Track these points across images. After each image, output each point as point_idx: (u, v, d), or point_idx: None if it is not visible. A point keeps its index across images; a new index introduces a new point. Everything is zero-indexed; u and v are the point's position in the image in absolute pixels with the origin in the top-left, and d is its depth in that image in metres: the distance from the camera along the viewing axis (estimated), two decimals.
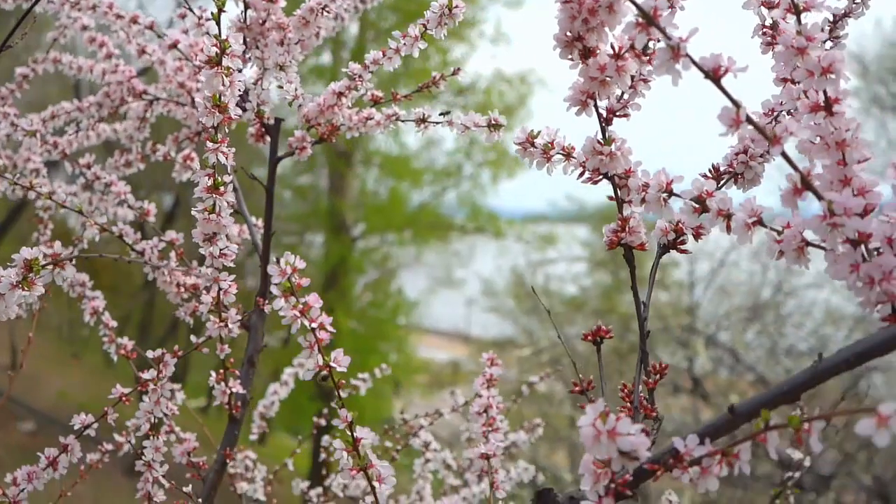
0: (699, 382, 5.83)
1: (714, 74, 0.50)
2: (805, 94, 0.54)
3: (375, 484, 0.63)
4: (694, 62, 0.49)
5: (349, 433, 0.63)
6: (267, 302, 0.94)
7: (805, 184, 0.50)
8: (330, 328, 0.61)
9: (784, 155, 0.50)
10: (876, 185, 0.53)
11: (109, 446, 1.06)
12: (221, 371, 0.94)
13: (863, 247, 0.51)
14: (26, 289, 0.66)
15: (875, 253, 0.51)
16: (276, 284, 0.59)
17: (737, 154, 0.67)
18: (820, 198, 0.50)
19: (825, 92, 0.52)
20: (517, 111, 10.47)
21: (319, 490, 1.46)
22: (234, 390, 0.95)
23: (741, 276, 7.87)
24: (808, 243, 0.53)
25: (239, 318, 0.88)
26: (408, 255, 12.28)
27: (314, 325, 0.60)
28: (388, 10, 9.82)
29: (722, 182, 0.67)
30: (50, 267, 0.65)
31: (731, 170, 0.67)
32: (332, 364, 0.61)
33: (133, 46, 1.11)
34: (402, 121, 0.95)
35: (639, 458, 0.49)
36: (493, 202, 11.80)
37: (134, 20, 1.07)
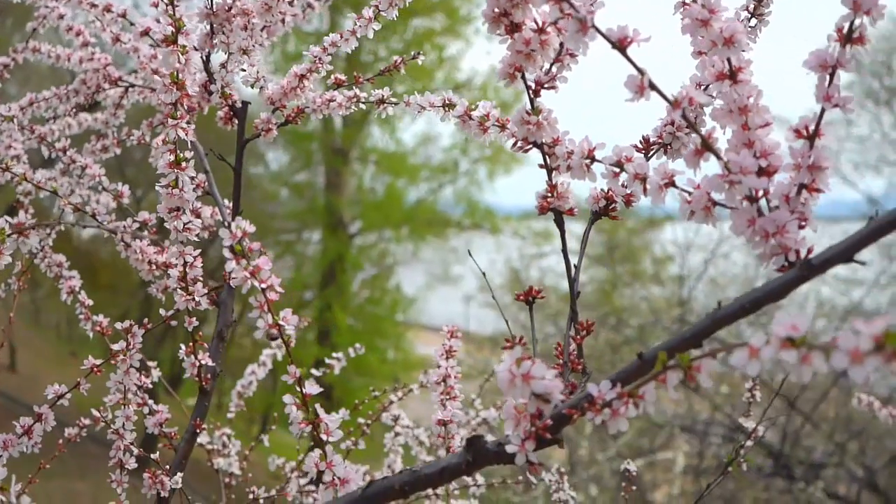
0: None
1: (620, 45, 0.53)
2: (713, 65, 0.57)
3: (323, 436, 0.66)
4: (601, 33, 0.53)
5: (298, 389, 0.67)
6: None
7: (706, 145, 0.54)
8: (279, 289, 0.65)
9: (685, 118, 0.54)
10: (777, 148, 0.57)
11: (87, 421, 1.10)
12: (191, 344, 0.98)
13: (763, 203, 0.55)
14: None
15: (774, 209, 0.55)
16: (226, 247, 0.63)
17: (665, 125, 0.71)
18: (719, 158, 0.54)
19: (729, 61, 0.56)
20: (513, 107, 10.45)
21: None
22: (203, 363, 0.99)
23: (736, 269, 7.92)
24: (715, 203, 0.57)
25: (205, 291, 0.92)
26: (405, 251, 12.32)
27: (264, 286, 0.64)
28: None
29: (652, 152, 0.71)
30: (14, 235, 0.69)
31: (660, 140, 0.71)
32: (281, 322, 0.65)
33: (108, 34, 1.15)
34: (364, 102, 0.98)
35: (551, 401, 0.53)
36: (490, 198, 11.83)
37: (107, 9, 1.11)
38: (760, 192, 0.54)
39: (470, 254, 0.94)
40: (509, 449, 0.57)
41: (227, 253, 0.64)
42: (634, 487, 1.22)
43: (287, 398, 0.67)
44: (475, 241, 12.10)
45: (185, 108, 0.75)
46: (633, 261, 9.57)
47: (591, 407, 0.55)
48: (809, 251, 0.53)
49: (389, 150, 12.03)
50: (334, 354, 1.40)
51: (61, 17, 1.21)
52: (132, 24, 1.10)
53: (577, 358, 0.65)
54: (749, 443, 1.11)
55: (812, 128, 0.55)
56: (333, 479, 0.66)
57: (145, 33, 1.08)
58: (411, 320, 11.68)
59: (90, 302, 1.12)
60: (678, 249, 7.42)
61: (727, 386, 6.77)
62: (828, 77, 0.54)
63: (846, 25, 0.54)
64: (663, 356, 0.50)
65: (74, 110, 1.21)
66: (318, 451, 0.67)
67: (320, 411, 0.67)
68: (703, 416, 6.78)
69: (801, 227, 0.54)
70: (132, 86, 1.20)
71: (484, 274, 0.87)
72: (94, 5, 1.12)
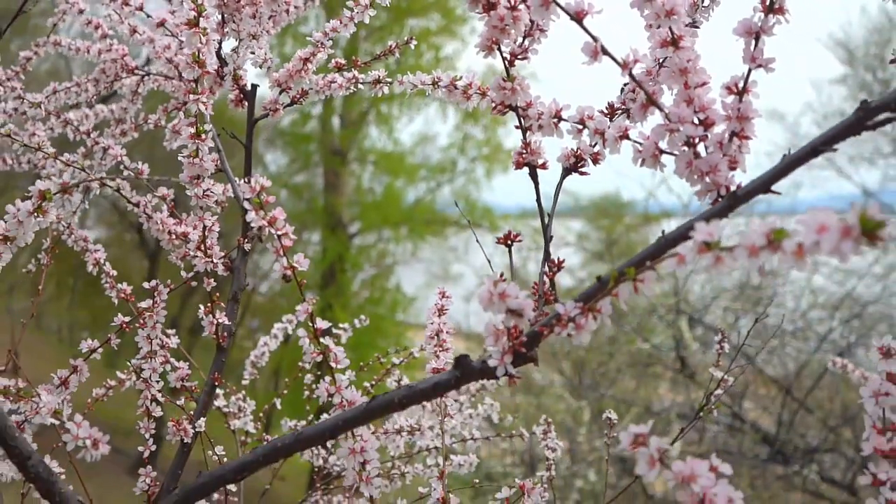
0: (685, 362, 5.97)
1: (578, 17, 0.64)
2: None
3: (332, 364, 0.77)
4: (560, 7, 0.63)
5: (311, 324, 0.77)
6: (247, 242, 1.08)
7: (650, 100, 0.64)
8: (292, 236, 0.75)
9: (632, 77, 0.64)
10: (713, 104, 0.67)
11: (123, 375, 1.20)
12: (209, 304, 1.08)
13: (700, 148, 0.65)
14: (40, 215, 0.80)
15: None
16: (247, 199, 0.73)
17: (626, 93, 0.81)
18: (661, 110, 0.64)
19: (671, 30, 0.67)
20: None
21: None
22: (220, 322, 1.09)
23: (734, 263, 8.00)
24: (661, 151, 0.67)
25: (222, 254, 1.03)
26: (404, 251, 12.42)
27: (280, 233, 0.75)
28: (379, 8, 9.97)
29: (617, 115, 0.81)
30: (59, 194, 0.79)
31: (623, 106, 0.81)
32: (295, 264, 0.76)
33: (125, 27, 1.25)
34: (361, 83, 1.09)
35: (524, 316, 0.63)
36: (488, 197, 11.92)
37: (125, 2, 1.21)
38: (697, 139, 0.64)
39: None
40: (491, 363, 0.67)
41: (247, 205, 0.74)
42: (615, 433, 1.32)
43: (301, 331, 0.77)
44: (473, 239, 12.13)
45: (207, 86, 0.85)
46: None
47: (559, 323, 0.65)
48: (738, 187, 0.63)
49: (387, 150, 12.13)
50: (340, 325, 1.50)
51: (81, 11, 1.32)
52: (149, 16, 1.20)
53: (550, 291, 0.75)
54: (719, 391, 1.21)
55: (741, 85, 0.65)
56: (342, 401, 0.76)
57: (161, 24, 1.18)
58: (411, 320, 11.76)
59: (114, 273, 1.22)
60: None
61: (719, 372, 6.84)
62: (753, 41, 0.64)
63: None
64: (615, 274, 0.60)
65: (95, 98, 1.31)
66: (328, 378, 0.77)
67: (329, 342, 0.77)
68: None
69: (732, 168, 0.64)
70: (148, 74, 1.30)
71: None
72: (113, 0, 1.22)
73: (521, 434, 1.32)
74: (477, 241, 1.08)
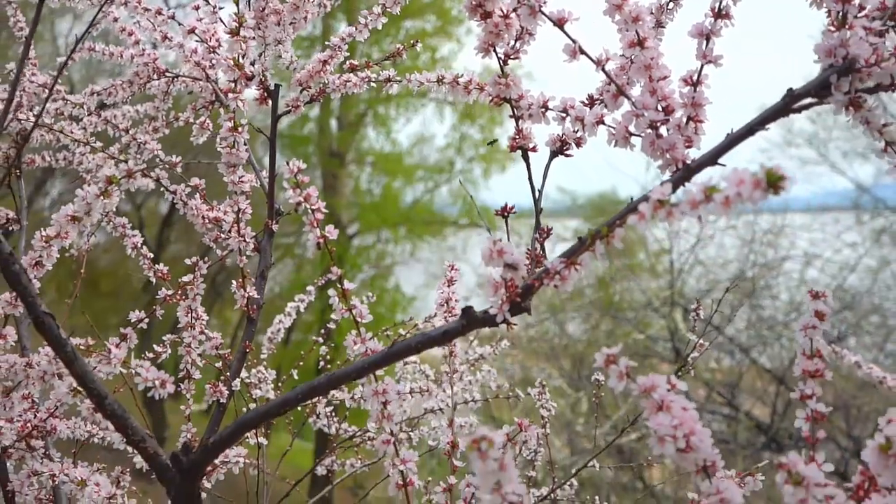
0: (680, 352, 6.12)
1: (559, 23, 0.78)
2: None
3: (358, 319, 0.91)
4: (545, 15, 0.77)
5: (340, 285, 0.91)
6: (275, 223, 1.22)
7: (619, 91, 0.78)
8: (324, 210, 0.89)
9: (605, 72, 0.78)
10: (673, 94, 0.81)
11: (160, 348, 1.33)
12: (241, 280, 1.22)
13: (662, 130, 0.79)
14: (106, 198, 0.94)
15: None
16: (286, 179, 0.87)
17: (604, 85, 0.95)
18: (629, 99, 0.78)
19: (637, 33, 0.80)
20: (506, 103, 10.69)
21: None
22: (250, 295, 1.23)
23: (729, 254, 8.20)
24: (630, 133, 0.81)
25: (253, 234, 1.17)
26: (403, 251, 12.54)
27: (314, 207, 0.89)
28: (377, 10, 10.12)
29: (595, 105, 0.95)
30: (126, 178, 0.93)
31: (600, 97, 0.95)
32: (326, 234, 0.89)
33: (157, 34, 1.39)
34: (373, 82, 1.23)
35: (518, 269, 0.77)
36: (486, 196, 12.04)
37: (158, 12, 1.35)
38: (659, 123, 0.78)
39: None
40: (491, 311, 0.81)
41: (286, 184, 0.88)
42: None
43: (331, 291, 0.91)
44: (472, 239, 12.29)
45: (243, 83, 0.99)
46: (630, 254, 9.81)
47: (548, 276, 0.79)
48: (693, 161, 0.77)
49: (385, 151, 12.26)
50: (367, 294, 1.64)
51: (116, 19, 1.45)
52: (180, 24, 1.34)
53: (540, 253, 0.89)
54: (695, 354, 1.35)
55: (696, 78, 0.79)
56: (366, 350, 0.90)
57: (191, 31, 1.32)
58: (411, 320, 11.84)
59: (151, 255, 1.36)
60: (667, 235, 7.67)
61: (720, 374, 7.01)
62: (704, 41, 0.78)
63: (717, 5, 0.78)
64: (591, 233, 0.74)
65: (129, 98, 1.45)
66: (354, 332, 0.91)
67: (355, 301, 0.91)
68: (701, 394, 7.04)
69: (688, 147, 0.78)
70: (177, 76, 1.44)
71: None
72: (146, 9, 1.36)
73: (517, 395, 1.46)
74: (488, 228, 1.21)
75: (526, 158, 0.91)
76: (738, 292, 6.96)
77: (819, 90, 0.71)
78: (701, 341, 1.38)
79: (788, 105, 0.72)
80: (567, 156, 0.95)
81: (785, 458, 0.60)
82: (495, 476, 0.62)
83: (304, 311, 1.87)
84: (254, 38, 1.19)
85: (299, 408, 1.79)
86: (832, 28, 0.72)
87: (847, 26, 0.71)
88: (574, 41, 0.77)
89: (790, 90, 0.72)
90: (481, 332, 1.68)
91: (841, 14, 0.71)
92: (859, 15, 0.73)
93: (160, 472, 0.84)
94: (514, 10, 0.83)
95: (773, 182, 0.55)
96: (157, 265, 1.33)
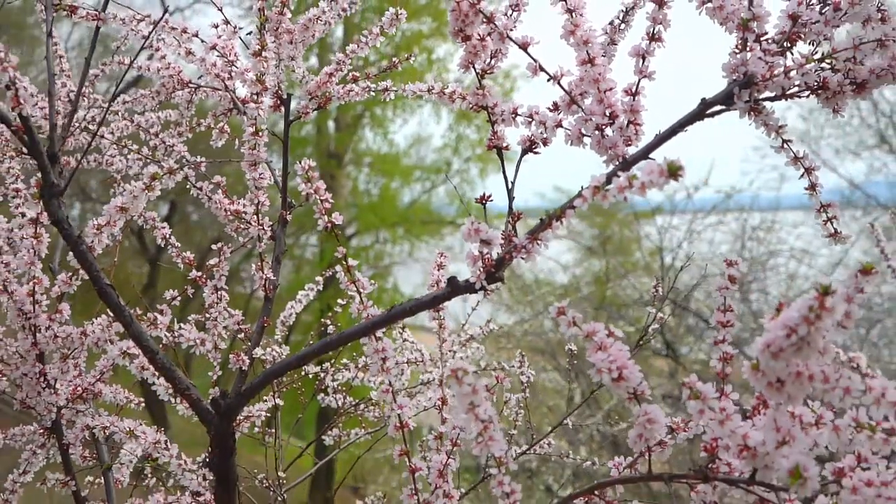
0: (671, 346, 6.31)
1: (523, 46, 0.97)
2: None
3: (361, 290, 1.09)
4: (511, 39, 0.96)
5: (345, 262, 1.10)
6: (288, 213, 1.40)
7: (572, 100, 0.97)
8: (331, 200, 1.08)
9: (560, 86, 0.97)
10: (618, 103, 1.00)
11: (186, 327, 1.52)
12: (259, 263, 1.41)
13: (607, 131, 0.98)
14: (150, 191, 1.13)
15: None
16: (299, 175, 1.06)
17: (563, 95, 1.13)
18: (580, 107, 0.97)
19: (587, 52, 0.99)
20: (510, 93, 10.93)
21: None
22: (268, 277, 1.42)
23: (721, 249, 8.39)
24: (582, 134, 1.00)
25: (271, 223, 1.35)
26: (401, 251, 12.72)
27: (322, 197, 1.07)
28: (371, 13, 10.34)
29: (557, 111, 1.14)
30: (167, 175, 1.11)
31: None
32: (333, 220, 1.08)
33: (182, 49, 1.58)
34: (374, 91, 1.42)
35: (492, 244, 0.96)
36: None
37: (184, 30, 1.54)
38: (605, 126, 0.97)
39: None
40: (471, 279, 1.00)
41: (299, 178, 1.07)
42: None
43: (338, 267, 1.10)
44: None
45: (264, 95, 1.18)
46: (626, 252, 10.00)
47: (516, 250, 0.97)
48: (631, 157, 0.96)
49: (382, 152, 12.44)
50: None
51: (145, 38, 1.64)
52: (203, 41, 1.53)
53: (513, 233, 1.08)
54: (655, 326, 1.54)
55: (634, 89, 0.98)
56: (368, 315, 1.09)
57: (213, 48, 1.51)
58: (409, 320, 11.99)
59: (178, 245, 1.55)
60: (658, 231, 7.86)
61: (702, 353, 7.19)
62: (640, 59, 0.97)
63: (651, 30, 0.97)
64: (549, 214, 0.93)
65: (157, 106, 1.64)
66: (357, 299, 1.10)
67: (358, 275, 1.10)
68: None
69: (627, 145, 0.97)
70: (199, 87, 1.63)
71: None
72: (173, 28, 1.55)
73: (503, 367, 1.65)
74: (473, 216, 1.40)
75: (500, 155, 1.10)
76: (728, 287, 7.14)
77: (725, 99, 0.90)
78: (661, 314, 1.56)
79: (703, 111, 0.91)
80: (535, 153, 1.13)
81: (686, 379, 0.78)
82: (469, 398, 0.80)
83: (304, 311, 2.06)
84: (272, 57, 1.38)
85: (304, 404, 1.99)
86: (736, 50, 0.91)
87: (748, 49, 0.90)
88: (535, 60, 0.96)
89: (703, 99, 0.91)
90: (480, 333, 1.88)
91: (741, 39, 0.90)
92: (763, 38, 0.92)
93: (202, 415, 1.02)
94: (489, 34, 1.02)
95: (673, 171, 0.74)
96: (184, 253, 1.52)
